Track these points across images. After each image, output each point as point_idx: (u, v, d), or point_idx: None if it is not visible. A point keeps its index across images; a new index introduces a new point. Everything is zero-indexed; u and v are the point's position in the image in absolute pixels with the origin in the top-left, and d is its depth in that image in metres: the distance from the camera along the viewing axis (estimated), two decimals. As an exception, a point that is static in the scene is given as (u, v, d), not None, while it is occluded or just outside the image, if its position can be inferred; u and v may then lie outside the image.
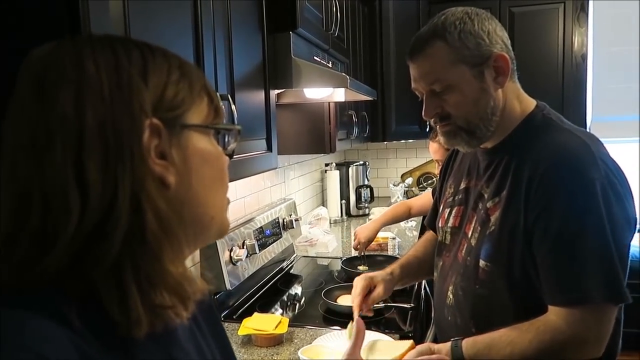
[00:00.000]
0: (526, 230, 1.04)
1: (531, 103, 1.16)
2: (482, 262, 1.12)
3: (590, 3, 3.44)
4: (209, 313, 0.66)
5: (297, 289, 1.97)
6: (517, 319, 1.05)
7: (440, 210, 1.34)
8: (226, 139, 0.57)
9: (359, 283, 1.36)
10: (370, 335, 1.35)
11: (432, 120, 1.16)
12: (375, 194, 3.41)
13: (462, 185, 1.26)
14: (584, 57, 3.61)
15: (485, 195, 1.15)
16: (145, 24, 0.85)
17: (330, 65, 2.03)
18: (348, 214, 3.23)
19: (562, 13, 3.33)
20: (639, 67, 3.61)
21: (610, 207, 0.98)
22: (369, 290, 1.36)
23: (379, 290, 1.36)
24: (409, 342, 1.20)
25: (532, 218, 1.03)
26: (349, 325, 1.20)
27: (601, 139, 1.10)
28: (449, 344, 1.10)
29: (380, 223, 2.26)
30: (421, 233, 2.76)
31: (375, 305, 1.58)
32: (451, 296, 1.21)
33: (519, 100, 1.15)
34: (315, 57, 1.83)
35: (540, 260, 1.03)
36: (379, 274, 1.40)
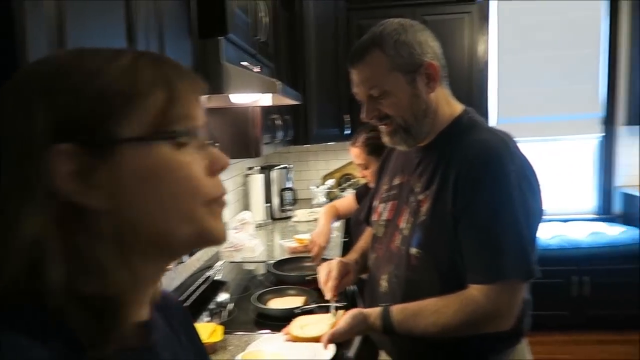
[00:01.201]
0: (454, 219, 1.14)
1: (459, 107, 1.27)
2: (413, 250, 1.20)
3: (493, 12, 3.73)
4: (184, 318, 0.66)
5: (225, 296, 1.94)
6: None
7: (375, 206, 1.42)
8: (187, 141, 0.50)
9: (335, 267, 1.40)
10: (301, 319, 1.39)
11: (373, 121, 1.24)
12: (298, 197, 3.45)
13: (396, 182, 1.34)
14: (487, 64, 3.90)
15: (417, 189, 1.24)
16: (82, 24, 0.81)
17: (257, 70, 2.03)
18: (272, 217, 3.23)
19: (469, 22, 3.56)
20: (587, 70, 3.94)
21: (523, 196, 1.10)
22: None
23: (351, 277, 1.43)
24: (340, 312, 1.26)
25: (460, 208, 1.13)
26: (332, 309, 1.30)
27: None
28: (379, 309, 1.18)
29: (329, 224, 2.32)
30: (346, 233, 2.84)
31: (306, 306, 1.62)
32: (385, 284, 1.28)
33: (449, 104, 1.25)
34: (243, 62, 1.82)
35: (466, 244, 1.13)
36: (350, 262, 1.45)
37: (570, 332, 3.36)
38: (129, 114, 0.46)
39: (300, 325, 1.32)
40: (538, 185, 1.16)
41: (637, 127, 3.85)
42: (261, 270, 2.27)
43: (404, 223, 1.25)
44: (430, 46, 1.20)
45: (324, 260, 2.17)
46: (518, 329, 1.21)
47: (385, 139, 1.26)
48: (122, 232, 0.47)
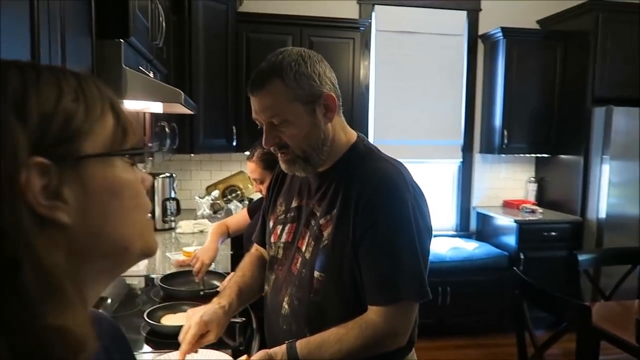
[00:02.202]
0: (355, 243, 1.20)
1: (354, 134, 1.34)
2: (316, 273, 1.24)
3: (374, 41, 3.97)
4: (120, 341, 0.64)
5: (109, 314, 1.82)
6: (346, 320, 1.19)
7: (272, 227, 1.42)
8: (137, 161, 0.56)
9: (192, 329, 1.26)
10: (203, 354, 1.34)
11: (272, 148, 1.26)
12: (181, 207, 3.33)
13: (294, 204, 1.36)
14: (367, 88, 4.15)
15: (318, 213, 1.28)
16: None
17: (151, 75, 1.95)
18: (154, 228, 3.08)
19: (352, 47, 3.77)
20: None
21: (417, 222, 1.20)
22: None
23: (210, 338, 1.30)
24: (243, 357, 1.25)
25: (360, 233, 1.19)
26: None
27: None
28: (284, 346, 1.19)
29: (217, 242, 2.26)
30: (233, 247, 2.81)
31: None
32: (286, 306, 1.30)
33: (344, 132, 1.31)
34: (140, 67, 1.74)
35: (364, 267, 1.20)
36: (214, 317, 1.30)
37: (434, 339, 3.67)
38: (90, 132, 0.49)
39: None
40: (428, 211, 1.27)
41: (489, 155, 4.39)
42: (148, 284, 2.15)
43: (305, 246, 1.29)
44: (328, 77, 1.24)
45: (218, 274, 2.15)
46: (411, 339, 1.32)
47: (283, 167, 1.29)
48: (85, 247, 0.48)
